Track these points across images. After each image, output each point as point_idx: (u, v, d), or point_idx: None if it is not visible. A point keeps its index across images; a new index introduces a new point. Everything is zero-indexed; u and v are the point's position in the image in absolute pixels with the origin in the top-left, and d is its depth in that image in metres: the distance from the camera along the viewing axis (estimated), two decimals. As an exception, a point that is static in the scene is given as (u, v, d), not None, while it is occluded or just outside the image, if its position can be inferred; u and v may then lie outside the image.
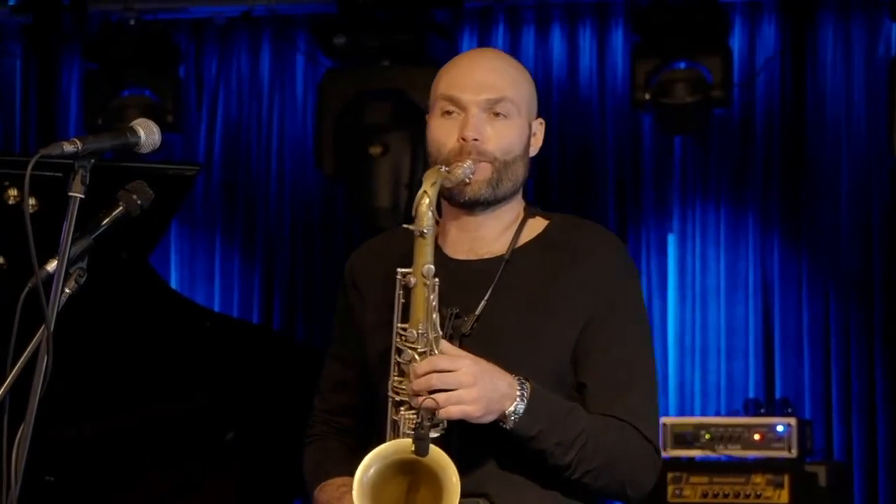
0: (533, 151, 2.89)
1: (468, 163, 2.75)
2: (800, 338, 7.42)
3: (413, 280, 2.65)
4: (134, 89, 7.81)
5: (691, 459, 6.57)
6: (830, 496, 6.45)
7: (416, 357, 2.62)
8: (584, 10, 7.83)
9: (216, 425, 4.66)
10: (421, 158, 7.17)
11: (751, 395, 7.32)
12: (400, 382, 2.65)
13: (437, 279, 2.65)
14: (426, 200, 2.65)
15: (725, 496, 6.42)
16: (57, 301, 2.42)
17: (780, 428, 6.51)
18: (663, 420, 6.73)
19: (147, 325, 4.40)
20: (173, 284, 7.77)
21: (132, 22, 7.69)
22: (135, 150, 2.57)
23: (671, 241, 7.68)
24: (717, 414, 7.24)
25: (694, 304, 7.59)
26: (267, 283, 8.10)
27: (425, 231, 2.65)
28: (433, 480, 2.59)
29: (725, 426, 6.60)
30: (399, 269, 2.68)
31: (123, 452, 4.39)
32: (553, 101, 7.81)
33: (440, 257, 2.75)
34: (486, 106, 2.80)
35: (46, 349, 2.38)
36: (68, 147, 2.43)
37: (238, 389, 4.70)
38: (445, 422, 2.60)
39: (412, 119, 7.19)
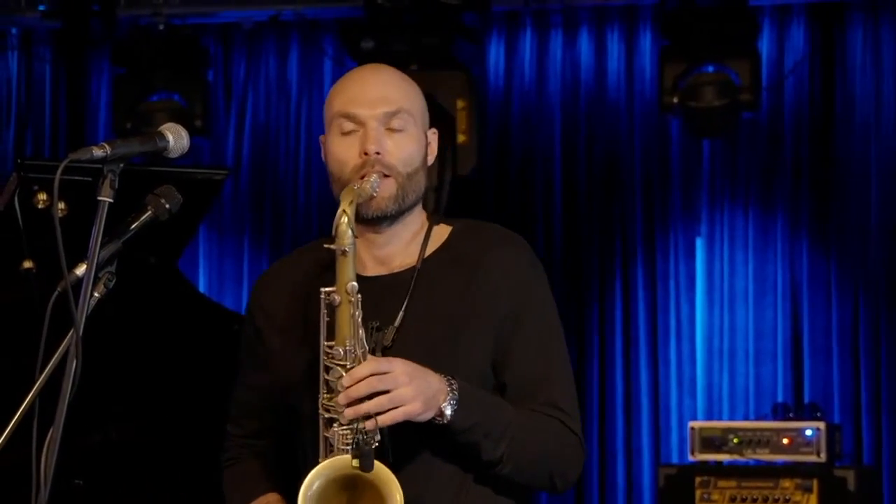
0: (430, 161, 2.91)
1: (374, 176, 2.76)
2: (828, 341, 7.39)
3: (338, 298, 2.65)
4: (162, 94, 7.85)
5: (719, 464, 6.56)
6: (859, 500, 6.43)
7: (344, 374, 2.62)
8: (612, 13, 7.83)
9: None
10: (449, 162, 7.17)
11: (779, 398, 7.31)
12: (329, 399, 2.65)
13: (360, 295, 2.66)
14: (345, 219, 2.66)
15: (754, 500, 6.40)
16: (86, 305, 2.43)
17: (808, 432, 6.50)
18: (691, 424, 6.72)
19: (175, 329, 4.41)
20: (202, 288, 7.78)
21: (161, 27, 7.73)
22: (163, 154, 2.58)
23: (699, 244, 7.66)
24: (746, 418, 7.23)
25: (722, 307, 7.58)
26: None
27: (346, 249, 2.65)
28: (376, 496, 2.61)
29: (754, 430, 6.59)
30: (322, 289, 2.69)
31: (152, 456, 4.40)
32: (581, 104, 7.81)
33: None
34: (384, 119, 2.82)
35: (75, 353, 2.38)
36: (97, 152, 2.44)
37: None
38: (379, 434, 2.61)
39: (439, 122, 7.15)
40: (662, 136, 7.71)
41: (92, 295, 2.45)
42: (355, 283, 2.65)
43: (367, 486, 2.62)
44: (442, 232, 2.91)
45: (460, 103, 7.15)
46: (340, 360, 2.64)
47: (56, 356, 2.42)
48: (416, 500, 2.67)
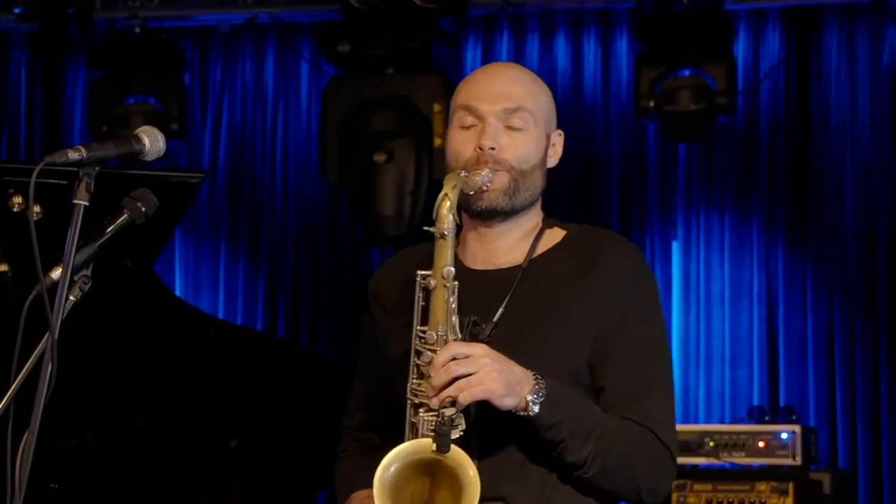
0: (552, 162, 2.94)
1: (486, 171, 2.78)
2: (804, 345, 7.41)
3: (433, 282, 2.68)
4: (139, 97, 7.83)
5: (695, 467, 6.57)
6: (835, 504, 6.45)
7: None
8: (589, 17, 7.84)
9: (220, 433, 4.66)
10: (426, 166, 7.17)
11: (755, 402, 7.32)
12: (419, 385, 2.67)
13: (456, 282, 2.67)
14: (447, 203, 2.68)
15: (730, 503, 6.41)
16: (61, 308, 2.43)
17: (784, 435, 6.51)
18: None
19: (151, 332, 4.40)
20: (178, 292, 7.77)
21: (137, 29, 7.71)
22: (139, 157, 2.58)
23: (675, 248, 7.68)
24: (722, 421, 7.24)
25: (698, 311, 7.59)
26: (271, 290, 8.11)
27: (446, 233, 2.68)
28: (452, 480, 2.60)
29: (730, 433, 6.60)
30: (419, 272, 2.71)
31: (127, 460, 4.40)
32: (558, 108, 7.80)
33: (459, 268, 2.76)
34: (503, 116, 2.84)
35: (51, 357, 2.38)
36: (73, 155, 2.44)
37: (242, 397, 4.71)
38: (464, 422, 2.60)
39: (416, 126, 7.19)
40: (639, 139, 7.72)
41: (67, 298, 2.45)
42: (451, 268, 2.67)
43: (444, 471, 2.61)
44: (555, 235, 2.92)
45: (437, 107, 7.15)
46: (432, 344, 2.65)
47: (31, 360, 2.41)
48: (501, 495, 2.67)
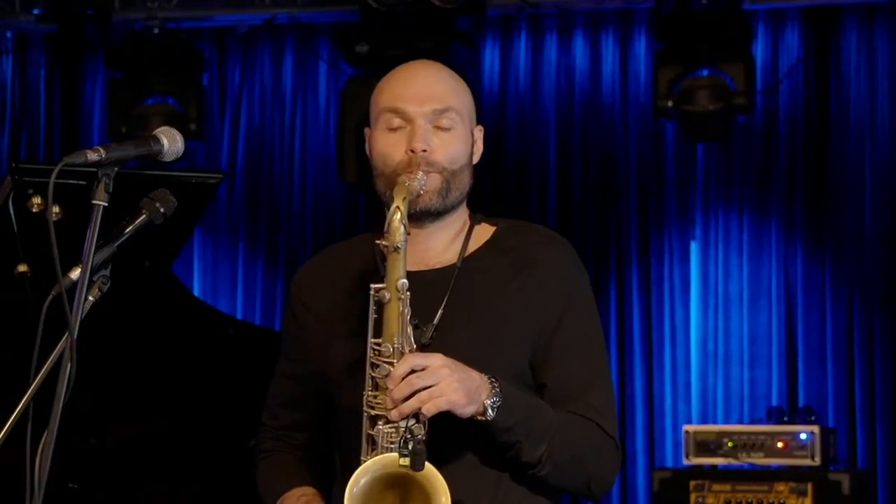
0: (475, 159, 2.91)
1: (420, 174, 2.76)
2: (823, 345, 7.40)
3: (387, 295, 2.64)
4: (157, 97, 7.84)
5: (714, 467, 6.56)
6: (854, 504, 6.43)
7: (391, 370, 2.62)
8: (607, 17, 7.83)
9: (239, 432, 4.66)
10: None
11: (774, 402, 7.31)
12: (375, 397, 2.64)
13: (409, 293, 2.65)
14: (398, 215, 2.65)
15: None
16: (80, 309, 2.43)
17: (803, 436, 6.50)
18: (686, 428, 6.72)
19: (170, 332, 4.41)
20: (196, 292, 7.78)
21: (156, 30, 7.72)
22: (158, 158, 2.58)
23: (694, 248, 7.67)
24: (740, 422, 7.23)
25: (717, 311, 7.58)
26: (289, 290, 8.10)
27: (399, 245, 2.65)
28: (422, 495, 2.60)
29: (748, 434, 6.59)
30: (372, 285, 2.68)
31: (146, 460, 4.40)
32: (575, 108, 7.81)
33: None
34: (432, 117, 2.81)
35: (70, 357, 2.38)
36: (92, 155, 2.44)
37: (260, 396, 4.70)
38: (425, 433, 2.60)
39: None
40: (657, 140, 7.72)
41: (86, 299, 2.45)
42: (406, 281, 2.64)
43: (413, 485, 2.61)
44: (484, 231, 2.91)
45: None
46: (388, 357, 2.63)
47: (51, 360, 2.42)
48: (456, 499, 2.65)
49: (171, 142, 2.58)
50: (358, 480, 2.61)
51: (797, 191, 7.52)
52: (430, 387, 2.58)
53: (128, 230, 2.54)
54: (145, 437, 4.41)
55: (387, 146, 2.82)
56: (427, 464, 2.59)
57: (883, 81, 7.42)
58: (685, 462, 6.63)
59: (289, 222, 8.15)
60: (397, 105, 2.83)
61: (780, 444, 6.51)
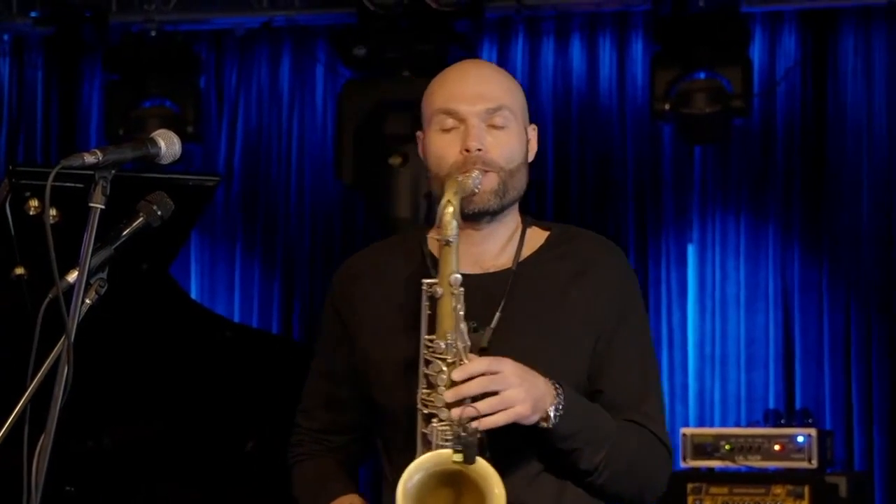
0: (530, 157, 2.90)
1: (475, 172, 2.74)
2: (820, 348, 7.40)
3: (440, 290, 2.63)
4: (154, 100, 7.84)
5: (711, 470, 6.56)
6: (851, 507, 6.44)
7: (445, 368, 2.60)
8: (605, 20, 7.83)
9: (236, 435, 4.66)
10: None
11: (771, 405, 7.31)
12: (428, 395, 2.62)
13: (462, 288, 2.63)
14: (450, 209, 2.64)
15: (746, 507, 6.41)
16: (77, 311, 2.43)
17: (800, 438, 6.50)
18: (683, 430, 6.73)
19: (167, 335, 4.40)
20: (193, 295, 7.78)
21: (153, 33, 7.72)
22: (155, 160, 2.57)
23: (691, 251, 7.67)
24: (737, 424, 7.23)
25: (714, 314, 7.59)
26: (287, 292, 8.12)
27: (451, 239, 2.63)
28: (476, 492, 2.58)
29: (745, 437, 6.59)
30: (424, 280, 2.67)
31: (144, 463, 4.40)
32: (573, 110, 7.82)
33: None
34: (485, 116, 2.80)
35: (67, 359, 2.38)
36: (89, 158, 2.44)
37: (258, 399, 4.71)
38: (479, 431, 2.58)
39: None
40: (654, 142, 7.72)
41: (84, 301, 2.45)
42: (458, 276, 2.63)
43: (467, 483, 2.59)
44: (537, 235, 2.89)
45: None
46: (441, 353, 2.61)
47: (48, 363, 2.41)
48: (521, 502, 2.65)
49: (168, 144, 2.57)
50: (411, 476, 2.58)
51: (794, 193, 7.53)
52: (496, 392, 2.56)
53: (125, 233, 2.54)
54: (142, 440, 4.40)
55: (441, 148, 2.80)
56: (480, 460, 2.56)
57: (880, 84, 7.42)
58: (682, 465, 6.62)
59: (286, 225, 8.14)
60: (449, 106, 2.81)
61: (777, 447, 6.51)
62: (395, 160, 7.29)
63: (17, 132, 8.41)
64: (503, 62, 7.93)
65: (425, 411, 2.62)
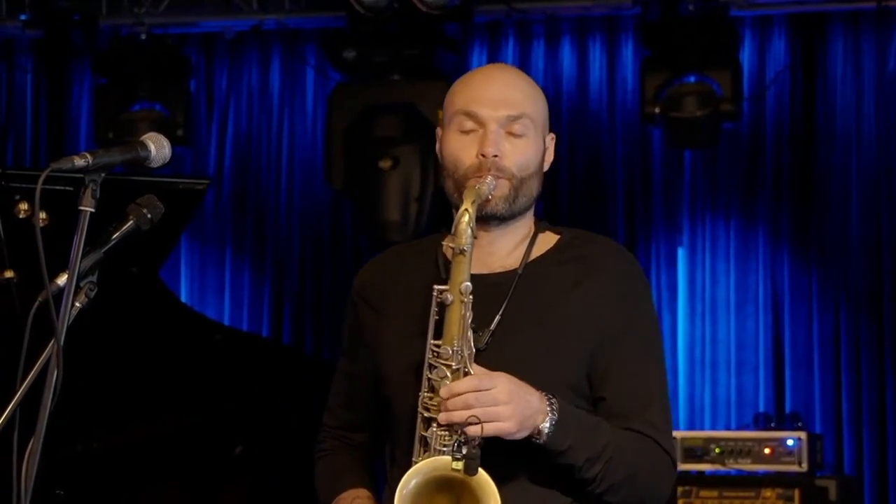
0: (546, 166, 2.91)
1: (489, 178, 2.75)
2: (810, 351, 7.41)
3: (450, 297, 2.65)
4: (144, 103, 7.83)
5: (701, 473, 6.56)
6: (841, 510, 6.44)
7: (449, 374, 2.63)
8: (594, 23, 7.84)
9: (226, 439, 4.66)
10: (431, 172, 7.18)
11: (761, 408, 7.32)
12: (430, 399, 2.64)
13: (472, 296, 2.65)
14: (466, 218, 2.66)
15: (736, 510, 6.41)
16: (67, 315, 2.42)
17: (790, 442, 6.50)
18: (673, 434, 6.72)
19: (157, 338, 4.40)
20: (183, 298, 7.77)
21: (143, 36, 7.72)
22: (145, 164, 2.57)
23: (681, 254, 7.67)
24: (727, 428, 7.24)
25: (704, 317, 7.59)
26: (276, 296, 8.11)
27: (465, 248, 2.65)
28: (472, 500, 2.59)
29: (735, 440, 6.59)
30: (435, 286, 2.68)
31: (133, 466, 4.40)
32: (563, 114, 7.82)
33: None
34: (505, 122, 2.81)
35: (56, 363, 2.38)
36: (79, 161, 2.43)
37: (247, 403, 4.71)
38: (480, 439, 2.59)
39: (422, 133, 7.19)
40: (644, 146, 7.72)
41: (73, 305, 2.45)
42: (469, 284, 2.65)
43: (464, 490, 2.60)
44: (548, 239, 2.91)
45: (442, 113, 7.16)
46: (446, 359, 2.64)
47: (37, 366, 2.41)
48: None
49: (158, 148, 2.57)
50: (409, 481, 2.61)
51: (784, 197, 7.53)
52: (486, 407, 2.58)
53: (115, 236, 2.54)
54: (132, 444, 4.40)
55: (458, 149, 2.82)
56: (483, 473, 2.58)
57: (869, 88, 7.43)
58: (672, 468, 6.62)
59: (276, 228, 8.14)
60: (471, 108, 2.82)
61: (767, 451, 6.51)
62: (385, 163, 7.29)
63: (6, 135, 8.39)
64: (493, 66, 7.92)
65: (426, 415, 2.65)
